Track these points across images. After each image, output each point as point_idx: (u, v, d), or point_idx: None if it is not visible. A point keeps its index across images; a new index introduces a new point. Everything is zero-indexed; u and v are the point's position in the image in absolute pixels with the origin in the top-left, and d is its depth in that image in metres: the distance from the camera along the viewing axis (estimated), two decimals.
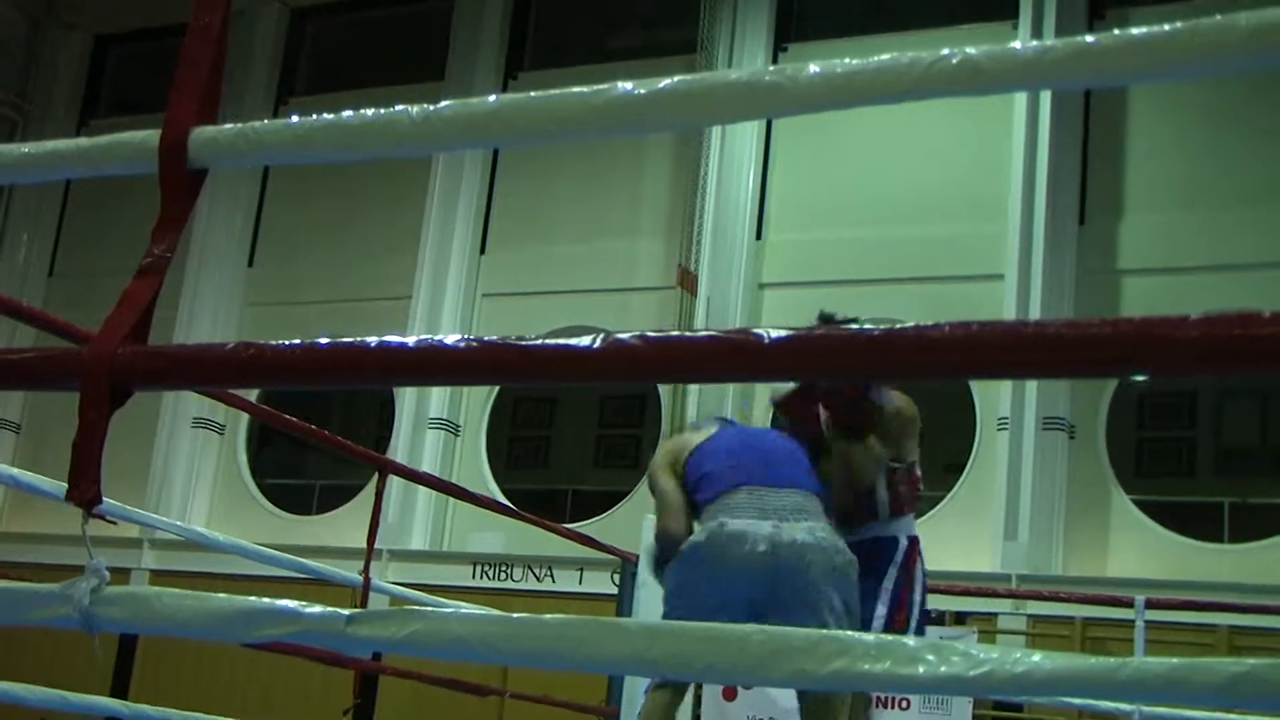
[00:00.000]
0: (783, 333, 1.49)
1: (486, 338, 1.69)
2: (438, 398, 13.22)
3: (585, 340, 1.58)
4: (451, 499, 12.50)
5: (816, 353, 1.50)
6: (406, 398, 13.25)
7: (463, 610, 1.80)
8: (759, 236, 12.67)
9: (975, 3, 12.46)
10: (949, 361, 1.50)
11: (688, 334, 1.53)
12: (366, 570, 5.32)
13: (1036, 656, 1.43)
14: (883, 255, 11.91)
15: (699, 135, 12.66)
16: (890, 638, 1.47)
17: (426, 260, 13.55)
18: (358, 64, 15.15)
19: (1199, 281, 10.69)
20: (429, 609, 1.78)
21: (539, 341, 1.64)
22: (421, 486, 12.00)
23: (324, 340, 1.76)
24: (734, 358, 1.52)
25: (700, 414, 12.06)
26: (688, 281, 12.37)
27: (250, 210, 15.00)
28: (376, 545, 12.12)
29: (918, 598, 4.32)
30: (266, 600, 1.80)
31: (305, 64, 15.65)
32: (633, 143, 13.29)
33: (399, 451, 12.79)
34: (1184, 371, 1.36)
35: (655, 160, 13.31)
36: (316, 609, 1.76)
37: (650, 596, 6.73)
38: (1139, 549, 10.58)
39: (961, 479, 11.50)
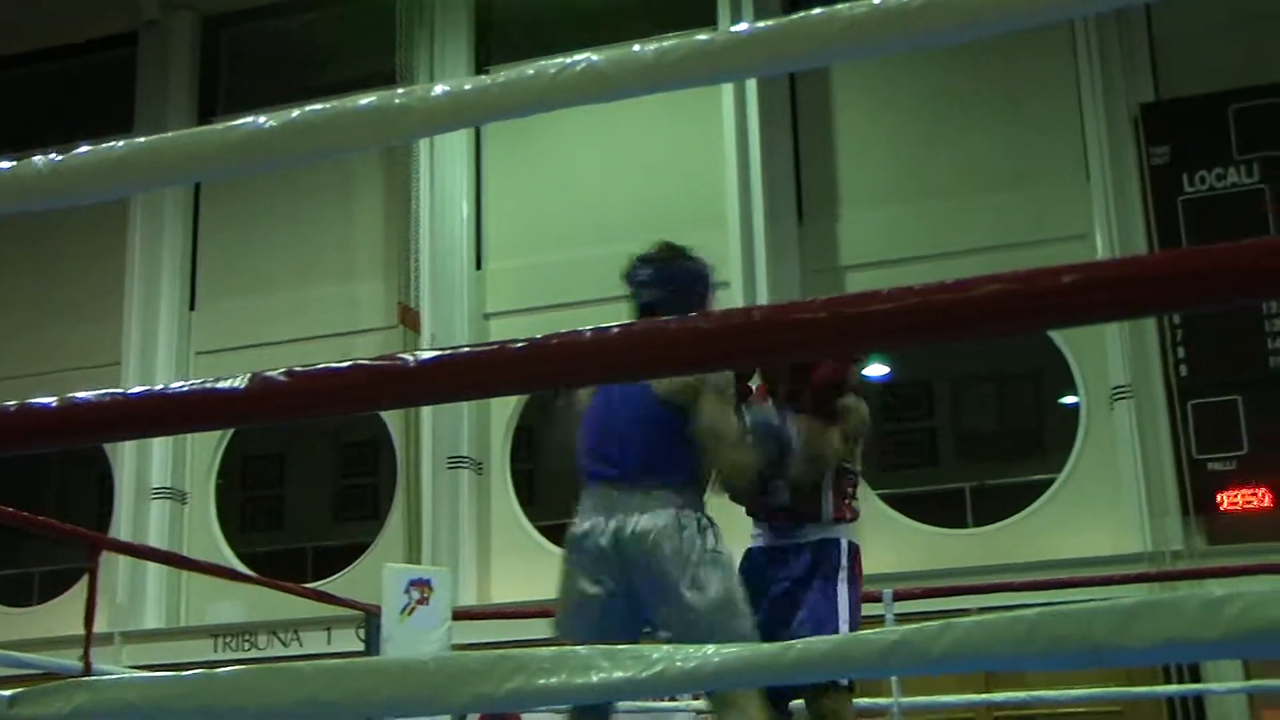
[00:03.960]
0: (429, 354, 1.48)
1: (131, 390, 1.62)
2: (159, 467, 12.70)
3: (230, 381, 1.53)
4: (184, 571, 12.07)
5: (466, 371, 1.49)
6: (125, 469, 12.70)
7: (134, 675, 1.72)
8: (479, 266, 12.63)
9: (678, 11, 12.58)
10: (602, 367, 1.51)
11: (333, 365, 1.49)
12: (86, 656, 5.06)
13: (708, 650, 1.44)
14: (606, 274, 11.76)
15: (407, 168, 12.55)
16: (566, 649, 1.46)
17: (133, 322, 13.02)
18: (38, 119, 14.41)
19: (920, 271, 10.97)
20: (97, 679, 1.69)
21: (185, 387, 1.59)
22: (151, 562, 11.54)
23: None
24: (382, 385, 1.49)
25: (435, 456, 11.95)
26: (409, 319, 12.23)
27: None
28: (108, 629, 11.78)
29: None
30: None
31: None
32: (341, 181, 13.08)
33: (122, 527, 12.21)
34: (820, 351, 1.41)
35: (366, 197, 13.14)
36: None
37: (396, 648, 6.62)
38: (889, 542, 10.83)
39: (709, 486, 11.63)
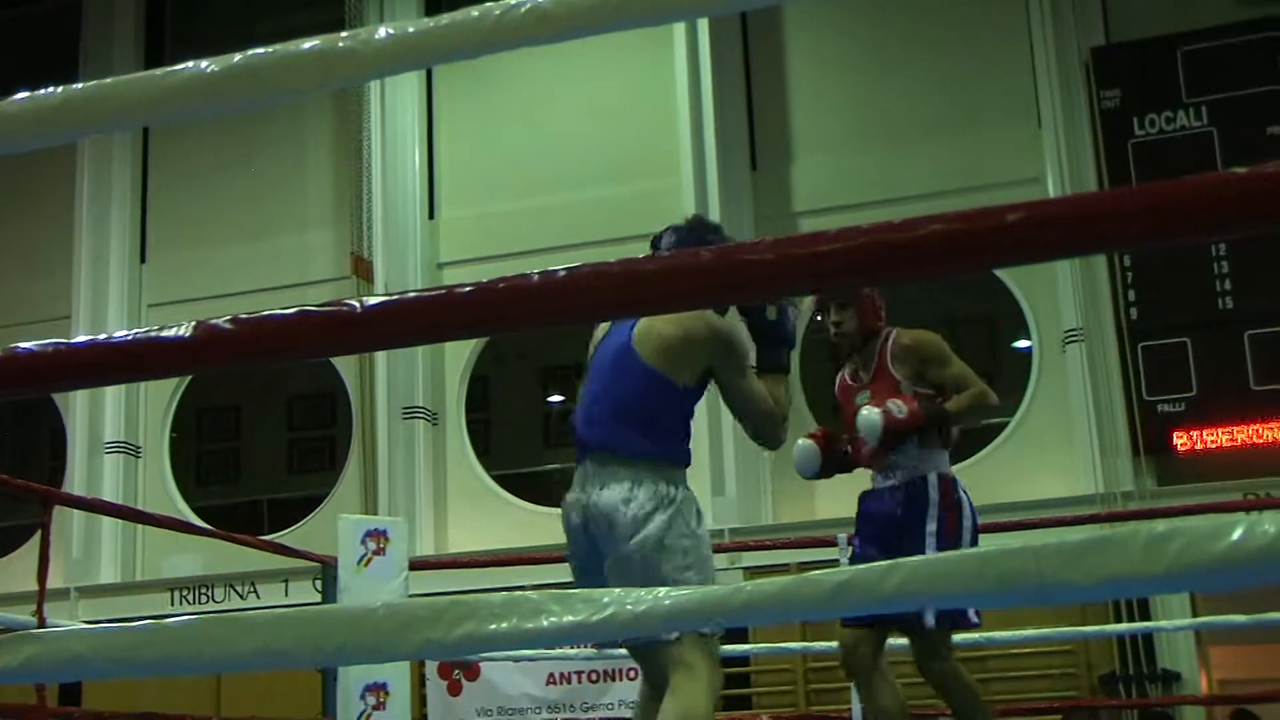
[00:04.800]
0: (376, 300, 1.47)
1: (76, 339, 1.60)
2: (112, 420, 12.63)
3: (175, 329, 1.52)
4: (140, 525, 12.02)
5: (413, 316, 1.48)
6: (77, 423, 12.61)
7: (82, 627, 1.71)
8: (431, 215, 12.57)
9: None
10: (549, 310, 1.50)
11: (279, 311, 1.48)
12: (40, 611, 5.02)
13: (659, 593, 1.44)
14: (560, 222, 11.94)
15: (359, 118, 12.45)
16: (517, 594, 1.46)
17: (82, 275, 12.91)
18: None
19: (873, 216, 10.72)
20: (45, 631, 1.68)
21: (129, 336, 1.57)
22: (106, 516, 11.49)
23: None
24: (329, 330, 1.48)
25: (390, 407, 11.92)
26: (363, 269, 12.17)
27: None
28: (64, 584, 11.73)
29: (966, 526, 4.31)
30: None
31: None
32: (292, 131, 12.98)
33: (75, 481, 12.15)
34: (766, 293, 1.41)
35: (316, 147, 13.03)
36: None
37: (353, 599, 6.61)
38: (845, 489, 10.78)
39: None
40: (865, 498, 4.55)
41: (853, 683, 4.54)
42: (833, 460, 4.62)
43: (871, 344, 4.50)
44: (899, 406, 4.26)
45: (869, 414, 4.27)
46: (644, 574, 3.44)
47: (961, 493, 4.39)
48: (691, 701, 3.33)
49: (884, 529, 4.38)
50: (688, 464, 3.67)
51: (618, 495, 3.50)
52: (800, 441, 4.65)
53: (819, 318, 4.63)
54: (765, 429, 3.73)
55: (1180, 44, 10.82)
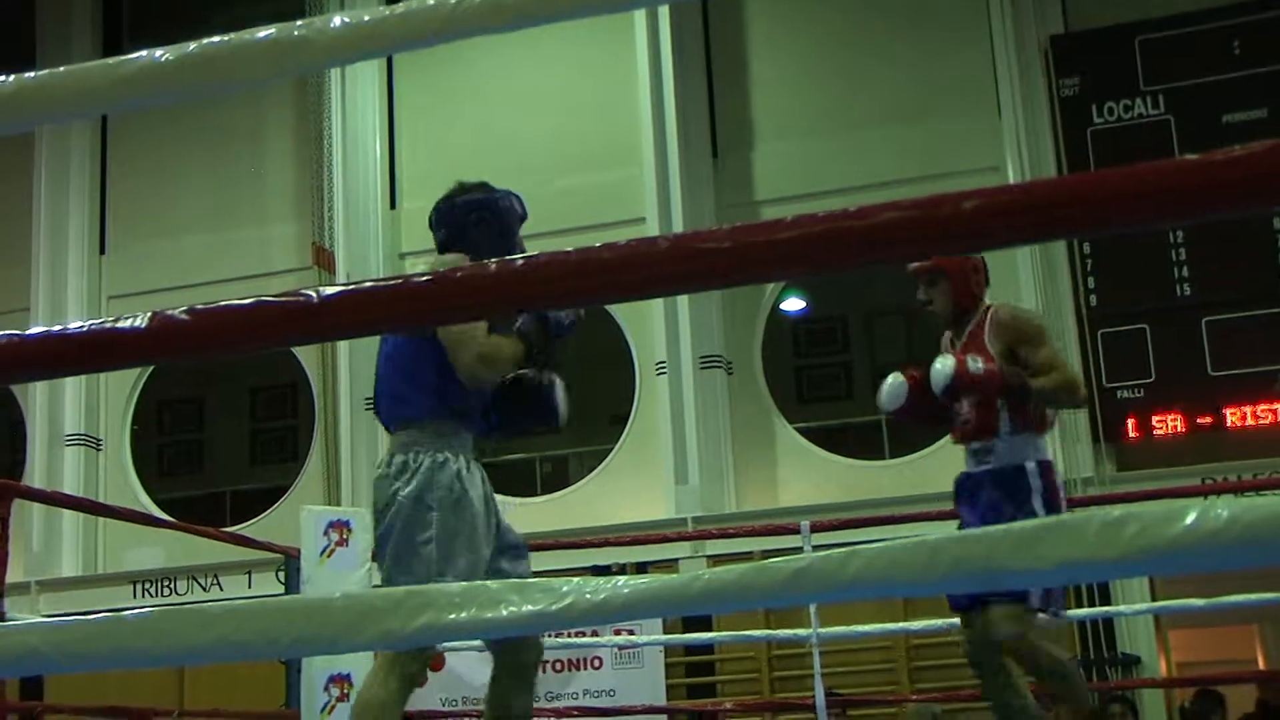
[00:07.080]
0: (333, 290, 1.46)
1: (31, 330, 1.59)
2: (71, 413, 12.54)
3: (131, 320, 1.50)
4: (101, 518, 11.95)
5: (371, 306, 1.47)
6: (37, 416, 12.51)
7: (39, 620, 1.70)
8: (393, 205, 12.52)
9: None
10: (506, 298, 1.50)
11: (236, 302, 1.47)
12: None
13: (619, 583, 1.44)
14: None
15: (319, 108, 12.39)
16: (476, 584, 1.46)
17: (40, 268, 12.80)
18: None
19: (836, 203, 10.83)
20: None
21: (84, 327, 1.56)
22: (66, 509, 11.39)
23: None
24: (287, 320, 1.47)
25: (352, 397, 11.87)
26: (324, 260, 12.11)
27: None
28: (24, 577, 11.63)
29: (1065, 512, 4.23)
30: None
31: None
32: (253, 122, 12.89)
33: (35, 474, 12.06)
34: (723, 282, 1.41)
35: (277, 138, 12.96)
36: None
37: (316, 590, 6.59)
38: (807, 476, 10.93)
39: (626, 429, 11.64)
40: (964, 482, 4.45)
41: (983, 674, 4.42)
42: (923, 405, 4.43)
43: (969, 316, 4.45)
44: (975, 361, 4.18)
45: (942, 363, 4.19)
46: (389, 548, 3.53)
47: (1058, 478, 4.38)
48: (367, 686, 3.43)
49: (986, 518, 4.27)
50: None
51: (380, 469, 3.67)
52: (892, 375, 4.51)
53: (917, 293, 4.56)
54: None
55: (1138, 32, 10.89)
